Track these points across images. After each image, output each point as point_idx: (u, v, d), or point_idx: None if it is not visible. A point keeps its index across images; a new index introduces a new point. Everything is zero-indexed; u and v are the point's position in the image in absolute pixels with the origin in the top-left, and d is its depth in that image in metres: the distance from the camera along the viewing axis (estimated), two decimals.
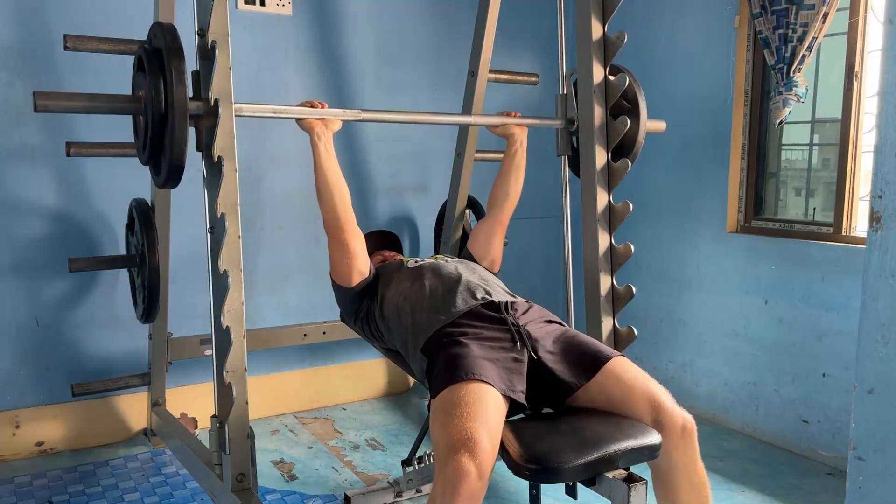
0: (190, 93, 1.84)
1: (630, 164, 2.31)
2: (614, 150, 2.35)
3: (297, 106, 2.12)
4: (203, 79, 1.89)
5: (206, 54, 1.89)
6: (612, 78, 2.31)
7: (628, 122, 2.28)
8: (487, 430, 1.61)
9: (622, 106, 2.42)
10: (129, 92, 1.99)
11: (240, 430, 1.93)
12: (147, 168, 2.73)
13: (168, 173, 1.85)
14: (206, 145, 1.89)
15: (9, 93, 2.73)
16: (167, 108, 1.79)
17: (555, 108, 2.51)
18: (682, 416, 1.76)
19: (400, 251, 2.70)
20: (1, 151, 2.73)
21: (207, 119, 1.87)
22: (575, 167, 2.48)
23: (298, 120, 2.12)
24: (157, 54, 1.83)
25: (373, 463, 2.88)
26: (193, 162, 2.10)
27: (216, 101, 1.84)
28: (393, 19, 3.48)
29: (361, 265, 2.18)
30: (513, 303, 2.06)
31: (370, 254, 2.61)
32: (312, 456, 2.95)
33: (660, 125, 2.57)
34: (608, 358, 1.87)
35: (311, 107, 2.12)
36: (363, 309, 2.24)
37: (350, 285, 2.21)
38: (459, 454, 1.55)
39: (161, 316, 2.74)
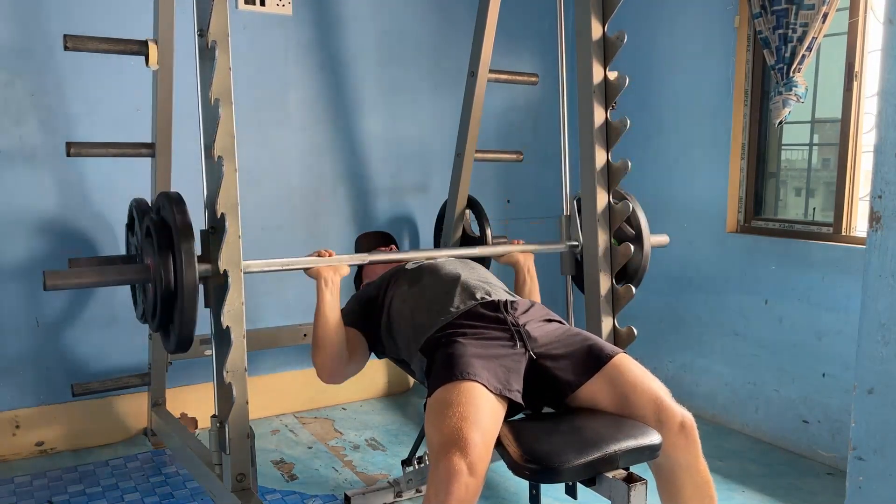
0: (198, 251, 1.87)
1: (632, 249, 2.32)
2: (618, 276, 2.37)
3: (306, 256, 2.14)
4: (213, 241, 1.90)
5: (206, 55, 1.89)
6: (616, 205, 2.34)
7: (632, 248, 2.30)
8: (480, 429, 1.62)
9: (626, 232, 2.48)
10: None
11: (240, 430, 1.93)
12: (147, 167, 2.75)
13: (178, 344, 1.91)
14: (214, 305, 1.92)
15: (9, 93, 2.73)
16: (177, 288, 1.84)
17: (558, 231, 2.53)
18: (681, 413, 1.76)
19: (395, 243, 2.70)
20: (1, 151, 2.73)
21: (215, 279, 1.89)
22: (580, 285, 2.48)
23: (306, 269, 2.13)
24: (165, 230, 1.86)
25: (373, 463, 2.88)
26: (193, 162, 2.11)
27: (225, 269, 1.86)
28: (393, 19, 3.48)
29: (362, 364, 2.20)
30: (513, 302, 2.05)
31: (367, 252, 2.62)
32: (312, 456, 2.94)
33: (663, 239, 2.59)
34: (610, 356, 1.86)
35: (319, 255, 2.14)
36: (378, 347, 2.26)
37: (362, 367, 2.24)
38: (451, 453, 1.55)
39: None
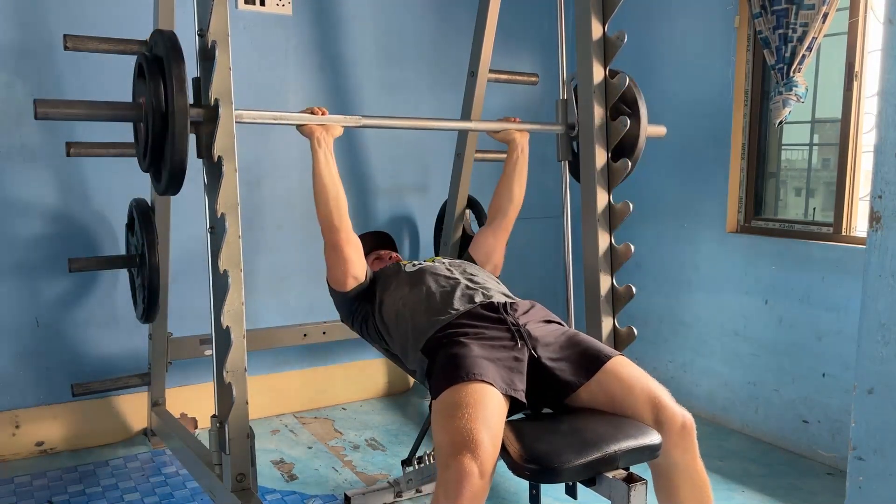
0: (191, 99, 1.84)
1: (630, 164, 2.31)
2: (615, 151, 2.35)
3: (298, 112, 2.12)
4: (203, 84, 1.88)
5: (207, 54, 1.89)
6: (611, 79, 2.31)
7: (628, 121, 2.28)
8: (488, 430, 1.62)
9: (622, 111, 2.41)
10: (129, 94, 1.99)
11: (240, 430, 1.93)
12: None
13: (169, 181, 1.85)
14: (206, 151, 1.89)
15: (9, 93, 2.73)
16: (168, 115, 1.78)
17: (555, 112, 2.51)
18: (681, 414, 1.76)
19: (395, 250, 2.70)
20: (1, 151, 2.73)
21: (208, 125, 1.86)
22: (575, 172, 2.48)
23: (299, 126, 2.13)
24: (157, 62, 1.82)
25: (373, 463, 2.88)
26: (193, 162, 2.10)
27: (216, 106, 1.83)
28: (393, 19, 3.48)
29: (356, 270, 2.19)
30: (512, 303, 2.06)
31: (366, 254, 2.61)
32: (312, 456, 2.95)
33: (660, 130, 2.57)
34: (608, 357, 1.87)
35: (312, 113, 2.13)
36: (361, 312, 2.25)
37: (345, 290, 2.22)
38: (461, 455, 1.55)
39: (161, 316, 2.74)
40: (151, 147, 1.83)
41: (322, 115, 2.14)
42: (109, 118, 1.93)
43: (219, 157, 1.86)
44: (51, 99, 1.79)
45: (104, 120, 1.93)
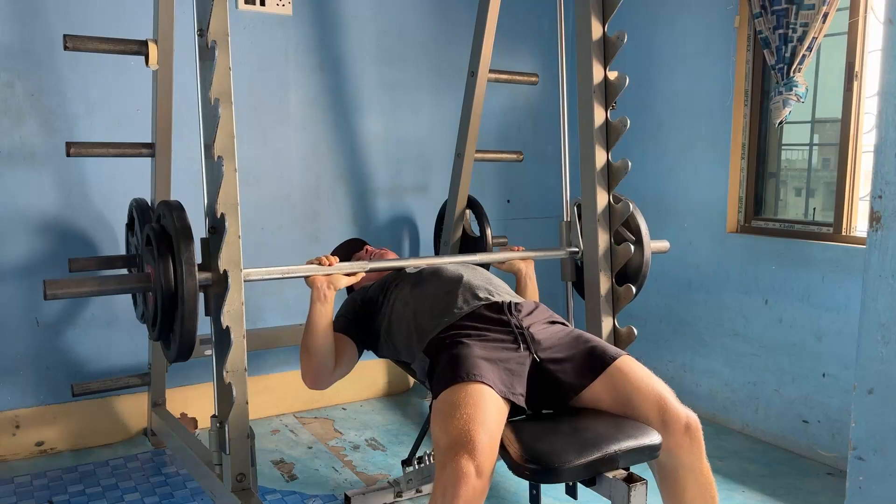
0: (199, 258, 1.87)
1: (632, 249, 2.32)
2: (618, 280, 2.37)
3: (305, 264, 2.11)
4: (213, 248, 1.90)
5: (206, 54, 1.89)
6: (615, 204, 2.34)
7: (632, 248, 2.31)
8: (487, 430, 1.62)
9: (626, 236, 2.47)
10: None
11: (240, 430, 1.93)
12: (147, 167, 2.75)
13: (178, 353, 1.92)
14: (214, 313, 1.92)
15: (9, 93, 2.72)
16: (178, 299, 1.84)
17: (559, 237, 2.52)
18: (685, 414, 1.76)
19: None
20: (1, 151, 2.73)
21: (216, 287, 1.89)
22: (580, 291, 2.48)
23: (307, 277, 2.10)
24: (166, 239, 1.86)
25: (373, 463, 2.88)
26: (193, 161, 2.11)
27: (225, 269, 1.87)
28: (393, 19, 3.48)
29: (349, 367, 2.16)
30: (517, 304, 2.05)
31: (354, 256, 2.59)
32: (312, 456, 2.94)
33: (663, 245, 2.58)
34: (613, 358, 1.87)
35: (320, 263, 2.11)
36: (373, 343, 2.25)
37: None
38: (458, 455, 1.55)
39: None
40: (161, 320, 1.89)
41: (329, 265, 2.11)
42: (120, 292, 1.99)
43: (219, 157, 1.86)
44: (60, 279, 1.82)
45: (115, 294, 1.99)
